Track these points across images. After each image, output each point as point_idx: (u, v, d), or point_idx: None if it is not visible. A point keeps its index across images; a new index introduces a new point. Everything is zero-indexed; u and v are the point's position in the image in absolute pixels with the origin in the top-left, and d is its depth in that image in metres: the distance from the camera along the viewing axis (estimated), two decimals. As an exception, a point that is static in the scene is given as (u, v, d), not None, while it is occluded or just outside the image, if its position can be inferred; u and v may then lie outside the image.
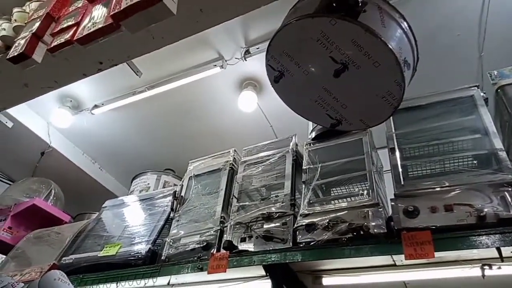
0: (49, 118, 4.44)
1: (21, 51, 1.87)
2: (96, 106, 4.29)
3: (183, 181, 2.86)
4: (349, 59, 1.51)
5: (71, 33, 1.90)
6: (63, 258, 2.71)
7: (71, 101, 4.34)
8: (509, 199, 1.53)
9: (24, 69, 1.99)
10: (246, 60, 3.59)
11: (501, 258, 1.51)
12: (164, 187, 3.72)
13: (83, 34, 1.82)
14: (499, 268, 1.63)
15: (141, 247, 2.47)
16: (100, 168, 5.14)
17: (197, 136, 4.46)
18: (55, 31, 1.98)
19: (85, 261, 2.59)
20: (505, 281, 1.76)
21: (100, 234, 2.88)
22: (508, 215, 1.50)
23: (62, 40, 1.93)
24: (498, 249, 1.50)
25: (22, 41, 1.93)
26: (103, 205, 3.18)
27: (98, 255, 2.58)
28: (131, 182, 3.97)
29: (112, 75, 3.71)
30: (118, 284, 2.34)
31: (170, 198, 2.80)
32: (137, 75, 3.77)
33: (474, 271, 1.70)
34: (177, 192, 2.78)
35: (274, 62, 1.70)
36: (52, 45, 1.94)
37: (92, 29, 1.79)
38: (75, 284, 2.35)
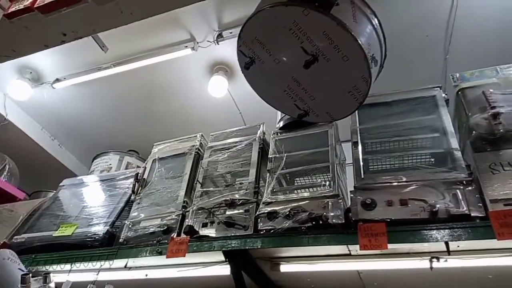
0: (6, 89, 4.19)
1: (-27, 14, 1.74)
2: (57, 80, 4.09)
3: (146, 164, 2.79)
4: (320, 51, 1.51)
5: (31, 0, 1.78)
6: (15, 237, 2.60)
7: (31, 72, 4.11)
8: (460, 197, 1.61)
9: (-23, 33, 1.86)
10: (218, 44, 3.54)
11: (448, 252, 1.60)
12: (126, 168, 3.62)
13: (45, 2, 1.73)
14: (446, 261, 1.72)
15: (99, 229, 2.40)
16: (59, 145, 4.93)
17: (163, 118, 4.37)
18: (13, -4, 1.85)
19: (39, 241, 2.49)
20: (450, 273, 1.88)
21: (56, 214, 2.77)
22: (458, 212, 1.58)
23: (21, 6, 1.81)
24: (446, 243, 1.58)
25: (-24, 4, 1.79)
26: (61, 184, 3.06)
27: (53, 235, 2.49)
28: (92, 161, 3.84)
29: (77, 48, 3.54)
30: (73, 265, 2.27)
31: (132, 180, 2.73)
32: (102, 50, 3.61)
33: (423, 263, 1.79)
34: (139, 174, 2.71)
35: (245, 48, 1.68)
36: (9, 11, 1.82)
37: (55, -3, 1.69)
38: (26, 264, 2.26)
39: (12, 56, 2.31)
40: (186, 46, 3.57)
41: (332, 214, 1.82)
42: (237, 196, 2.19)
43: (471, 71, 2.00)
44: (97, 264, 2.21)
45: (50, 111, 4.51)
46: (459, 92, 1.99)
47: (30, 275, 1.81)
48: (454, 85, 2.02)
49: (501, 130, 1.70)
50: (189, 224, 2.14)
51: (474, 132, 1.78)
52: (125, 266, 2.33)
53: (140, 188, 2.62)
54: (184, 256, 1.94)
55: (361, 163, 1.95)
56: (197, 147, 2.68)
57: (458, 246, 1.65)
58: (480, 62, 2.18)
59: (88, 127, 4.68)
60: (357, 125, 2.11)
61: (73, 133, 4.80)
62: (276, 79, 1.77)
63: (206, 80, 3.89)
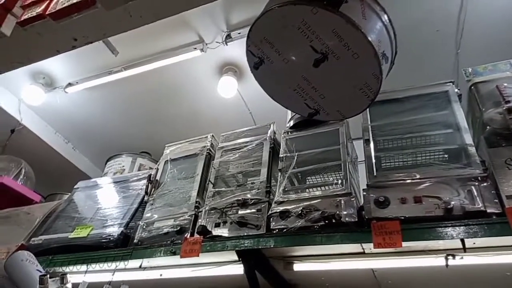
0: (21, 94, 4.27)
1: (-12, 22, 1.78)
2: (70, 84, 4.16)
3: (158, 165, 2.82)
4: (329, 49, 1.51)
5: (43, 7, 1.82)
6: (32, 239, 2.65)
7: (44, 78, 4.19)
8: (475, 193, 1.59)
9: (-8, 41, 1.90)
10: (227, 45, 3.55)
11: (464, 249, 1.58)
12: (139, 170, 3.66)
13: (56, 9, 1.76)
14: (462, 258, 1.70)
15: (113, 230, 2.43)
16: (73, 148, 5.01)
17: (174, 119, 4.40)
18: (25, 3, 1.88)
19: (55, 242, 2.54)
20: (467, 270, 1.85)
21: (72, 216, 2.82)
22: (473, 208, 1.55)
23: (34, 13, 1.84)
24: (462, 241, 1.56)
25: (-10, 12, 1.83)
26: (76, 186, 3.11)
27: (69, 237, 2.53)
28: (105, 163, 3.89)
29: (88, 53, 3.58)
30: (89, 266, 2.31)
31: (145, 181, 2.76)
32: (113, 54, 3.66)
33: (438, 261, 1.76)
34: (152, 176, 2.74)
35: (254, 48, 1.68)
36: (22, 18, 1.86)
37: (66, 4, 1.72)
38: (44, 265, 2.31)
39: (25, 62, 2.36)
40: (195, 48, 3.59)
41: (345, 212, 1.81)
42: (249, 195, 2.20)
43: (484, 65, 1.97)
44: (113, 265, 2.24)
45: (63, 115, 4.58)
46: (472, 87, 1.96)
47: (48, 276, 1.85)
48: (467, 80, 1.99)
49: (516, 125, 1.67)
50: (202, 224, 2.16)
51: (488, 127, 1.75)
52: (140, 267, 2.36)
53: (153, 189, 2.65)
54: (198, 256, 1.96)
55: (373, 161, 1.93)
56: (208, 147, 2.69)
57: (474, 243, 1.62)
58: (492, 55, 2.14)
59: (101, 130, 4.74)
60: (369, 122, 2.09)
61: (86, 136, 4.87)
62: (285, 78, 1.77)
63: (215, 81, 3.90)
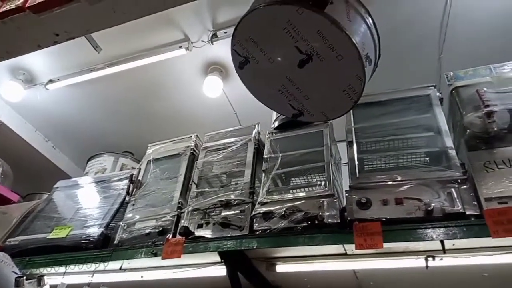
0: (-1, 90, 4.14)
1: (-36, 14, 1.72)
2: (51, 81, 4.06)
3: (141, 165, 2.78)
4: (314, 50, 1.51)
5: (23, -1, 1.76)
6: (8, 240, 2.58)
7: (24, 73, 4.08)
8: (455, 195, 1.62)
9: (-32, 34, 1.84)
10: (213, 44, 3.52)
11: (444, 250, 1.61)
12: (121, 170, 3.60)
13: (36, 2, 1.71)
14: (441, 259, 1.73)
15: (93, 231, 2.39)
16: (53, 146, 4.89)
17: (158, 119, 4.35)
18: (4, -5, 1.83)
19: (33, 243, 2.48)
20: (446, 271, 1.88)
21: (51, 216, 2.75)
22: (453, 210, 1.58)
23: (13, 6, 1.79)
24: (442, 242, 1.59)
25: (-34, 4, 1.77)
26: (55, 186, 3.04)
27: (47, 237, 2.47)
28: (87, 163, 3.81)
29: (70, 49, 3.52)
30: (68, 267, 2.25)
31: (127, 181, 2.71)
32: (96, 50, 3.59)
33: (419, 262, 1.79)
34: (134, 176, 2.70)
35: (239, 47, 1.67)
36: (0, 10, 1.80)
37: (47, -3, 1.67)
38: (20, 267, 2.23)
39: (5, 57, 2.29)
40: (181, 46, 3.56)
41: (327, 213, 1.81)
42: (232, 196, 2.19)
43: (465, 70, 2.01)
44: (92, 266, 2.20)
45: (44, 112, 4.47)
46: (453, 91, 2.00)
47: (24, 278, 1.80)
48: (448, 84, 2.02)
49: (495, 129, 1.70)
50: (185, 225, 2.14)
51: (468, 130, 1.79)
52: (120, 268, 2.31)
53: (135, 190, 2.61)
54: (180, 257, 1.93)
55: (356, 163, 1.95)
56: (192, 147, 2.66)
57: (454, 245, 1.65)
58: (474, 61, 2.19)
59: (82, 128, 4.64)
60: (352, 124, 2.11)
61: (67, 135, 4.77)
62: (270, 79, 1.76)
63: (201, 80, 3.87)
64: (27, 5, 1.74)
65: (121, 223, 2.37)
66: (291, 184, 2.34)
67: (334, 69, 1.53)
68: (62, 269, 2.30)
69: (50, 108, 4.42)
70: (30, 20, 1.90)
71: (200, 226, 2.14)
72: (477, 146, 1.74)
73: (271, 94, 1.83)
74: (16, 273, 1.97)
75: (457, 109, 1.91)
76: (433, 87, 2.09)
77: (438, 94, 2.05)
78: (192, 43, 3.56)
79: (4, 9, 1.79)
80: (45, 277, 1.90)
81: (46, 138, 4.82)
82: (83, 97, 4.29)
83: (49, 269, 2.30)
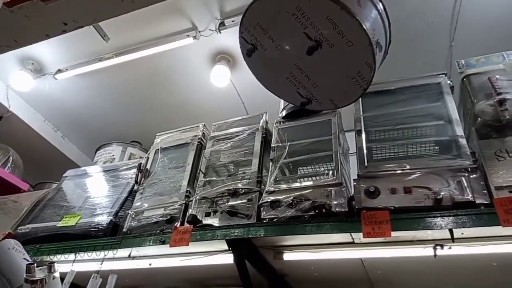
0: (9, 80, 4.18)
1: (-28, 2, 1.72)
2: (59, 71, 4.07)
3: (149, 154, 2.79)
4: (323, 37, 1.49)
5: (30, -13, 1.76)
6: (19, 227, 2.62)
7: (33, 63, 4.10)
8: (465, 184, 1.60)
9: (-23, 23, 1.84)
10: (220, 33, 3.50)
11: (452, 239, 1.59)
12: (129, 159, 3.62)
13: (44, -10, 1.70)
14: (450, 248, 1.71)
15: (102, 219, 2.41)
16: (62, 136, 4.93)
17: (165, 108, 4.35)
18: (12, -16, 1.83)
19: (43, 231, 2.51)
20: (454, 260, 1.87)
21: (60, 204, 2.78)
22: (462, 199, 1.57)
23: (21, -6, 1.79)
24: (451, 231, 1.57)
25: (-26, -8, 1.77)
26: (64, 175, 3.07)
27: (57, 225, 2.51)
28: (95, 152, 3.84)
29: (78, 38, 3.52)
30: (77, 255, 2.28)
31: (135, 170, 2.73)
32: (104, 39, 3.58)
33: (427, 251, 1.78)
34: (142, 165, 2.72)
35: (247, 34, 1.66)
36: (9, -1, 1.80)
37: (54, -15, 1.66)
38: (31, 254, 2.28)
39: (14, 46, 2.30)
40: (188, 35, 3.54)
41: (335, 202, 1.81)
42: (240, 185, 2.19)
43: (477, 57, 1.97)
44: (101, 254, 2.22)
45: (53, 102, 4.50)
46: (465, 79, 1.96)
47: (35, 264, 1.82)
48: (460, 72, 1.99)
49: (507, 117, 1.67)
50: (192, 213, 2.15)
51: (479, 119, 1.76)
52: (129, 256, 2.34)
53: (143, 179, 2.62)
54: (188, 245, 1.95)
55: (365, 151, 1.93)
56: (199, 137, 2.67)
57: (462, 234, 1.63)
58: (486, 48, 2.14)
59: (91, 118, 4.67)
60: (361, 113, 2.09)
61: (76, 125, 4.80)
62: (278, 66, 1.75)
63: (208, 70, 3.85)
64: (35, -7, 1.74)
65: (129, 212, 2.39)
66: (299, 173, 2.33)
67: (344, 56, 1.52)
68: (71, 256, 2.33)
69: (59, 98, 4.45)
70: (39, 9, 1.90)
71: (207, 214, 2.15)
72: (488, 134, 1.72)
73: (279, 82, 1.82)
74: (27, 260, 2.00)
75: (468, 97, 1.88)
76: (443, 75, 2.05)
77: (448, 82, 2.01)
78: (199, 32, 3.54)
79: (13, -3, 1.79)
80: (55, 264, 1.93)
81: (55, 128, 4.86)
82: (91, 87, 4.31)
83: (59, 256, 2.34)
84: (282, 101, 2.50)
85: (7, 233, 2.59)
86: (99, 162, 3.68)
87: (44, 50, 3.92)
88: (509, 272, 2.01)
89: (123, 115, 4.57)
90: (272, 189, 2.04)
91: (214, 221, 2.09)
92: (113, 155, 3.71)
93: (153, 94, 4.27)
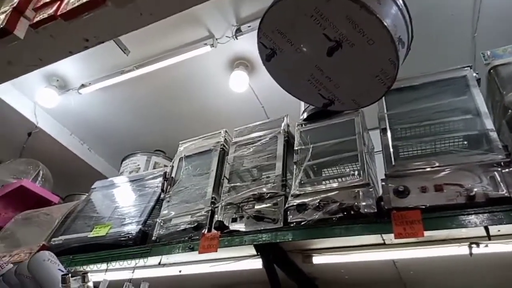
0: (35, 97, 4.34)
1: (1, 26, 1.80)
2: (83, 86, 4.20)
3: (173, 162, 2.83)
4: (343, 37, 1.47)
5: (54, 8, 1.83)
6: (53, 239, 2.69)
7: (57, 80, 4.24)
8: (499, 179, 1.54)
9: (7, 45, 1.92)
10: (237, 39, 3.52)
11: (489, 237, 1.54)
12: (154, 168, 3.68)
13: (67, 9, 1.76)
14: (486, 246, 1.66)
15: (132, 228, 2.45)
16: (88, 149, 5.07)
17: (187, 116, 4.41)
18: (37, 5, 1.90)
19: (75, 242, 2.57)
20: (491, 258, 1.80)
21: (90, 215, 2.85)
22: (497, 195, 1.51)
23: (45, 15, 1.86)
24: (486, 228, 1.52)
25: (3, 16, 1.85)
26: (93, 186, 3.14)
27: (88, 236, 2.56)
28: (121, 163, 3.93)
29: (99, 53, 3.62)
30: (109, 264, 2.33)
31: (161, 179, 2.77)
32: (124, 53, 3.68)
33: (462, 250, 1.72)
34: (167, 173, 2.75)
35: (266, 39, 1.66)
36: (34, 21, 1.88)
37: (77, 4, 1.73)
38: (65, 264, 2.34)
39: (39, 65, 2.39)
40: (206, 44, 3.58)
41: (363, 203, 1.78)
42: (264, 190, 2.18)
43: (503, 47, 1.91)
44: (132, 263, 2.26)
45: (78, 116, 4.64)
46: (492, 70, 1.90)
47: (70, 275, 1.87)
48: (486, 63, 1.93)
49: (540, 107, 1.61)
50: (219, 219, 2.16)
51: (510, 111, 1.70)
52: (159, 263, 2.37)
53: (168, 187, 2.66)
54: (216, 251, 1.96)
55: (391, 150, 1.89)
56: (222, 143, 2.68)
57: (499, 231, 1.58)
58: (509, 38, 2.07)
59: (115, 130, 4.79)
60: (385, 111, 2.05)
61: (101, 137, 4.93)
62: (298, 69, 1.74)
63: (227, 76, 3.89)
64: (58, 12, 1.80)
65: (157, 220, 2.43)
66: (323, 175, 2.31)
67: (365, 55, 1.49)
68: (104, 266, 2.39)
69: (83, 112, 4.58)
70: (62, 28, 1.96)
71: (234, 220, 2.15)
72: (521, 126, 1.65)
73: (300, 85, 1.81)
74: (62, 271, 2.06)
75: (497, 89, 1.82)
76: (469, 68, 1.99)
77: (474, 74, 1.95)
78: (216, 39, 3.58)
79: (38, 18, 1.86)
80: (89, 274, 1.98)
81: (81, 141, 5.00)
82: (114, 100, 4.42)
83: (91, 266, 2.39)
84: (302, 103, 2.49)
85: (41, 245, 2.67)
86: (125, 172, 3.76)
87: (68, 67, 4.06)
88: (550, 269, 1.93)
89: (146, 125, 4.67)
90: (297, 192, 2.02)
91: (241, 227, 2.09)
92: (138, 165, 3.79)
93: (173, 103, 4.34)
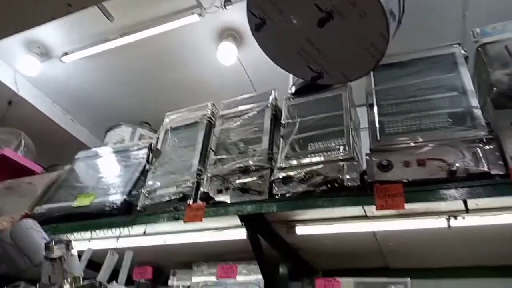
0: (16, 65, 4.19)
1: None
2: (66, 54, 4.06)
3: (159, 134, 2.80)
4: (335, 8, 1.44)
5: (34, -34, 1.73)
6: (36, 208, 2.67)
7: (39, 47, 4.08)
8: (480, 155, 1.58)
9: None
10: (226, 9, 3.43)
11: (467, 210, 1.59)
12: (139, 140, 3.64)
13: (48, -32, 1.67)
14: (464, 219, 1.71)
15: (116, 198, 2.45)
16: (71, 119, 4.96)
17: (173, 88, 4.32)
18: (16, -37, 1.80)
19: (58, 211, 2.55)
20: (468, 231, 1.87)
21: (74, 185, 2.83)
22: (477, 170, 1.55)
23: (25, -26, 1.76)
24: (465, 201, 1.57)
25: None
26: (76, 156, 3.10)
27: (72, 205, 2.55)
28: (105, 134, 3.87)
29: (83, 20, 3.50)
30: (93, 233, 2.33)
31: (146, 150, 2.75)
32: (109, 20, 3.54)
33: (440, 222, 1.78)
34: (153, 145, 2.73)
35: (255, 8, 1.62)
36: (13, -21, 1.78)
37: (58, -38, 1.63)
38: (48, 233, 2.32)
39: (20, 29, 2.29)
40: (193, 13, 3.48)
41: (348, 177, 1.81)
42: (251, 162, 2.19)
43: (493, 25, 1.91)
44: (117, 232, 2.27)
45: (61, 85, 4.51)
46: (480, 48, 1.91)
47: (53, 243, 1.87)
48: (474, 41, 1.93)
49: (524, 86, 1.64)
50: (205, 191, 2.17)
51: (495, 88, 1.72)
52: (144, 233, 2.39)
53: (154, 158, 2.64)
54: (201, 221, 1.98)
55: (377, 125, 1.91)
56: (208, 115, 2.66)
57: (477, 205, 1.63)
58: (500, 17, 2.06)
59: (99, 100, 4.67)
60: (373, 86, 2.05)
61: (84, 107, 4.82)
62: (288, 40, 1.71)
63: (215, 47, 3.80)
64: (39, -28, 1.72)
65: (142, 190, 2.42)
66: (309, 149, 2.33)
67: (356, 27, 1.48)
68: (88, 234, 2.39)
69: (66, 80, 4.45)
70: (43, -10, 1.88)
71: (219, 191, 2.17)
72: (504, 104, 1.68)
73: (289, 57, 1.78)
74: (46, 239, 2.06)
75: (484, 67, 1.83)
76: (458, 45, 2.00)
77: (463, 52, 1.96)
78: (204, 8, 3.47)
79: (17, -23, 1.77)
80: (73, 242, 1.98)
81: (64, 111, 4.88)
82: (98, 69, 4.29)
83: (75, 234, 2.39)
84: (291, 77, 2.47)
85: (24, 213, 2.65)
86: (109, 144, 3.70)
87: (50, 33, 3.91)
88: (522, 242, 2.01)
89: (131, 95, 4.57)
90: (283, 165, 2.04)
91: (226, 198, 2.11)
92: (123, 136, 3.73)
93: (159, 74, 4.24)
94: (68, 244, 1.95)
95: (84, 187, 2.75)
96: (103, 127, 4.00)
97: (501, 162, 1.55)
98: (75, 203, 2.55)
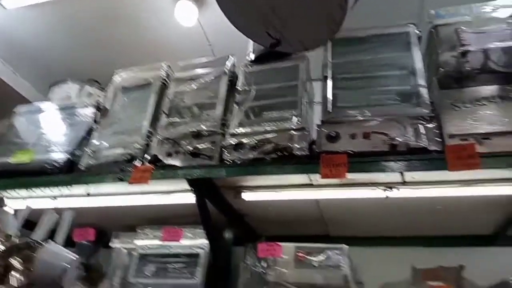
0: None
1: None
2: (7, -2, 3.67)
3: (107, 92, 2.66)
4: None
5: None
6: (-32, 163, 2.47)
7: (-24, -13, 3.66)
8: (421, 131, 1.66)
9: None
10: (187, -35, 3.25)
11: (404, 182, 1.69)
12: (87, 98, 3.43)
13: None
14: (399, 190, 1.83)
15: (59, 156, 2.32)
16: (13, 71, 4.56)
17: (126, 45, 4.07)
18: None
19: (-5, 167, 2.39)
20: (403, 202, 2.00)
21: (13, 141, 2.65)
22: (417, 145, 1.64)
23: None
24: (402, 174, 1.66)
25: None
26: (15, 110, 2.88)
27: (10, 162, 2.39)
28: (49, 89, 3.61)
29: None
30: (31, 191, 2.21)
31: (93, 108, 2.61)
32: (57, -37, 3.23)
33: (378, 193, 1.89)
34: (100, 103, 2.60)
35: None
36: None
37: None
38: (-19, 189, 2.19)
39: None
40: (151, -35, 3.26)
41: (297, 146, 1.84)
42: (203, 127, 2.16)
43: (446, 8, 1.97)
44: (56, 191, 2.17)
45: (1, 34, 4.11)
46: (432, 30, 1.97)
47: (-16, 198, 1.76)
48: (428, 22, 1.99)
49: (468, 68, 1.72)
50: (154, 153, 2.11)
51: (441, 69, 1.80)
52: (88, 194, 2.30)
53: (101, 117, 2.52)
54: (147, 182, 1.93)
55: (330, 98, 1.94)
56: (163, 77, 2.56)
57: (413, 178, 1.73)
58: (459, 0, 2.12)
59: (44, 52, 4.32)
60: (329, 59, 2.07)
61: (27, 59, 4.43)
62: (249, 4, 1.68)
63: (173, 6, 3.62)
64: None
65: (86, 149, 2.31)
66: (263, 117, 2.33)
67: (316, -4, 1.46)
68: (24, 192, 2.26)
69: (8, 29, 4.05)
70: None
71: (169, 155, 2.12)
72: (449, 85, 1.77)
73: (249, 21, 1.76)
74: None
75: (434, 48, 1.90)
76: (412, 25, 2.05)
77: (417, 31, 2.02)
78: (163, -38, 3.27)
79: None
80: (5, 198, 1.87)
81: (4, 62, 4.48)
82: (44, 19, 3.94)
83: (10, 191, 2.26)
84: (250, 43, 2.42)
85: (-46, 168, 2.44)
86: (54, 100, 3.47)
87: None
88: (452, 213, 2.19)
89: (79, 50, 4.25)
90: (236, 131, 2.03)
91: (176, 162, 2.07)
92: (70, 94, 3.50)
93: (111, 29, 3.96)
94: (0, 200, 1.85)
95: (24, 143, 2.58)
96: (47, 82, 3.72)
97: (439, 139, 1.64)
98: (13, 160, 2.39)
